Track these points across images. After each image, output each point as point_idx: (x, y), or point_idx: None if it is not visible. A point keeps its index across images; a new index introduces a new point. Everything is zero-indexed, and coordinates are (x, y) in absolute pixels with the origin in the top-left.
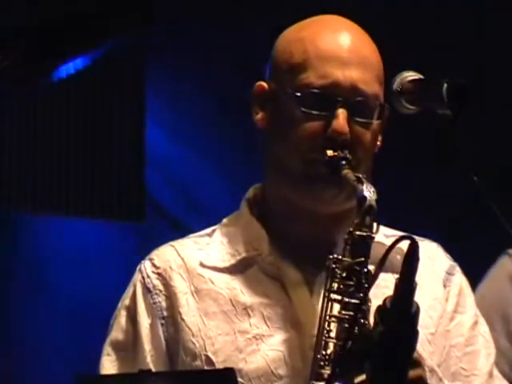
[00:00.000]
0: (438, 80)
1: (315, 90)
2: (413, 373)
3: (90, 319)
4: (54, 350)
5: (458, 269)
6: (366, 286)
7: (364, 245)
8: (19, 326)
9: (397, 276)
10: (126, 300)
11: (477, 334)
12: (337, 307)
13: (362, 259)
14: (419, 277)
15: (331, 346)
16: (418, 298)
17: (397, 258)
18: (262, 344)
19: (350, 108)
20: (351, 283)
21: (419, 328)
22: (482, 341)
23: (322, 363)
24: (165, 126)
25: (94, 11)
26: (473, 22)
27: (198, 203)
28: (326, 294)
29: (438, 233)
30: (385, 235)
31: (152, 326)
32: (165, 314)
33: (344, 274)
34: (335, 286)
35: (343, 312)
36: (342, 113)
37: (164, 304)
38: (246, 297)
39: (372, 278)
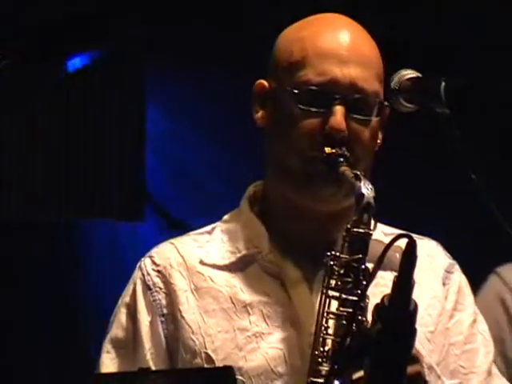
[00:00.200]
0: (436, 78)
1: (313, 87)
2: (411, 369)
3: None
4: None
5: (457, 267)
6: (364, 282)
7: (362, 242)
8: None
9: (395, 274)
10: (125, 297)
11: (476, 332)
12: (335, 304)
13: (360, 256)
14: (418, 275)
15: (329, 342)
16: (417, 296)
17: (395, 255)
18: (261, 342)
19: (348, 105)
20: (349, 280)
21: (418, 326)
22: (480, 339)
23: (320, 360)
24: (165, 125)
25: (94, 11)
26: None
27: (198, 203)
28: (324, 291)
29: (437, 231)
30: (384, 233)
31: (152, 324)
32: (165, 311)
33: (342, 271)
34: (333, 282)
35: (341, 309)
36: (339, 110)
37: (164, 301)
38: (246, 294)
39: (370, 276)
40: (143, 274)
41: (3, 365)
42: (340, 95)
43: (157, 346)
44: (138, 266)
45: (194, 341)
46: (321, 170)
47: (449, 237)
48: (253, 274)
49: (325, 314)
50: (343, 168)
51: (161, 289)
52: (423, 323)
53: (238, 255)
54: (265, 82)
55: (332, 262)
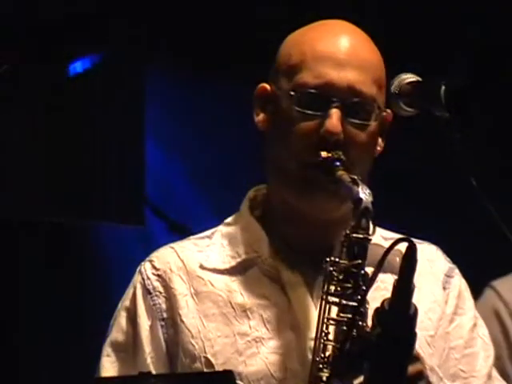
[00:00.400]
0: (436, 82)
1: (310, 90)
2: (413, 368)
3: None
4: None
5: (457, 271)
6: (364, 288)
7: (360, 247)
8: None
9: (396, 277)
10: (125, 301)
11: (476, 337)
12: (335, 310)
13: (359, 261)
14: (418, 279)
15: (329, 348)
16: (418, 300)
17: (396, 259)
18: (261, 347)
19: (345, 109)
20: (348, 285)
21: (418, 330)
22: (480, 343)
23: (320, 366)
24: (164, 130)
25: (94, 11)
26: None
27: (200, 206)
28: (324, 297)
29: (437, 235)
30: (383, 237)
31: (152, 328)
32: (165, 315)
33: (341, 277)
34: (332, 288)
35: (341, 314)
36: (335, 113)
37: (164, 306)
38: (246, 299)
39: (370, 280)
40: (143, 278)
41: (4, 365)
42: (337, 98)
43: (157, 350)
44: (137, 269)
45: (193, 345)
46: (317, 175)
47: (449, 241)
48: (252, 277)
49: (325, 321)
50: (340, 173)
51: (161, 293)
52: (423, 327)
53: (238, 260)
54: (266, 86)
55: (331, 268)
